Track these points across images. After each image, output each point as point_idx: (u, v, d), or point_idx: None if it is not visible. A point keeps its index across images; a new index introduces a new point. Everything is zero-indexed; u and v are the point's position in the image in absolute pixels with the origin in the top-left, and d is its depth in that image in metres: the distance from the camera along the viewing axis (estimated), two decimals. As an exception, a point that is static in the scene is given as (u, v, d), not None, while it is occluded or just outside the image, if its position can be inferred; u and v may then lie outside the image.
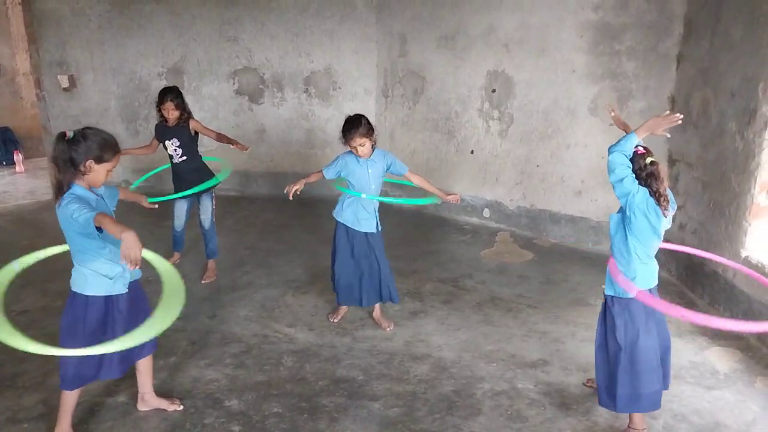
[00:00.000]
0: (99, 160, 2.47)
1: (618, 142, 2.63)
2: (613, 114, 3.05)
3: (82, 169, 2.44)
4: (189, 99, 6.08)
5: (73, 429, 2.73)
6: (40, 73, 7.17)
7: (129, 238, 2.16)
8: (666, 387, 2.88)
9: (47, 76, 7.14)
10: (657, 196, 2.56)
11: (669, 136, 2.82)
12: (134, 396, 2.99)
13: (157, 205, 3.23)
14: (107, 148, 2.50)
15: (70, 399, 2.68)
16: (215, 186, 4.53)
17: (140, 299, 2.78)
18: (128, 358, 2.75)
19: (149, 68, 7.22)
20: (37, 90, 7.30)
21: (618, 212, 2.73)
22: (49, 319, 3.80)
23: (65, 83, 7.08)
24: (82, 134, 2.45)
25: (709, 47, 4.38)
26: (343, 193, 3.77)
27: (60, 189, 2.47)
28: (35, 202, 6.93)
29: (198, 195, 4.52)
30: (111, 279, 2.58)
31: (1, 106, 9.82)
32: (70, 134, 2.45)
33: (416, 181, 3.84)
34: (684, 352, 3.64)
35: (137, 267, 2.20)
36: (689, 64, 4.70)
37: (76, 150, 2.43)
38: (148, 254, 2.35)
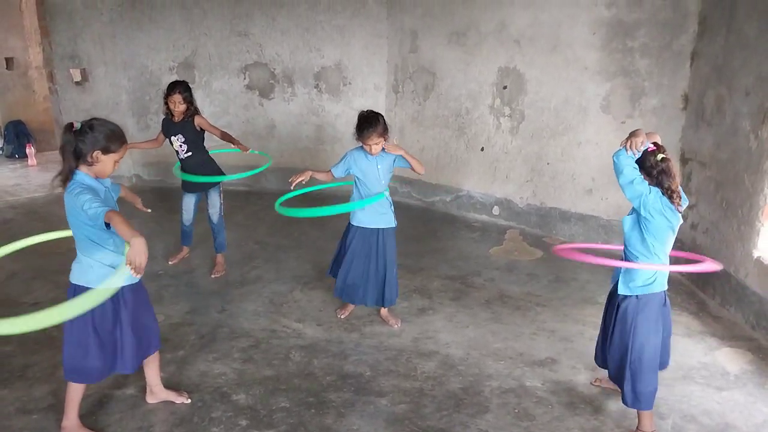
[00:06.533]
0: (106, 151, 2.48)
1: (619, 150, 2.64)
2: None
3: (89, 159, 2.46)
4: (199, 94, 6.13)
5: (81, 421, 2.75)
6: (52, 66, 7.22)
7: (138, 245, 2.14)
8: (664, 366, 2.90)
9: (59, 69, 7.19)
10: (669, 193, 2.55)
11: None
12: (143, 389, 3.00)
13: (150, 210, 3.22)
14: (114, 138, 2.51)
15: (77, 392, 2.68)
16: (221, 181, 4.57)
17: (142, 295, 2.78)
18: (141, 353, 2.76)
19: (160, 62, 7.24)
20: (50, 83, 7.35)
21: (630, 214, 2.71)
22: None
23: (77, 77, 7.12)
24: (89, 125, 2.47)
25: (724, 44, 4.32)
26: (353, 191, 3.79)
27: (66, 179, 2.47)
28: (47, 195, 6.97)
29: (206, 190, 4.55)
30: (115, 270, 2.54)
31: (14, 99, 9.87)
32: (77, 125, 2.46)
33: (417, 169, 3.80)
34: (694, 353, 3.61)
35: (140, 275, 2.21)
36: (703, 62, 4.65)
37: (83, 141, 2.44)
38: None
